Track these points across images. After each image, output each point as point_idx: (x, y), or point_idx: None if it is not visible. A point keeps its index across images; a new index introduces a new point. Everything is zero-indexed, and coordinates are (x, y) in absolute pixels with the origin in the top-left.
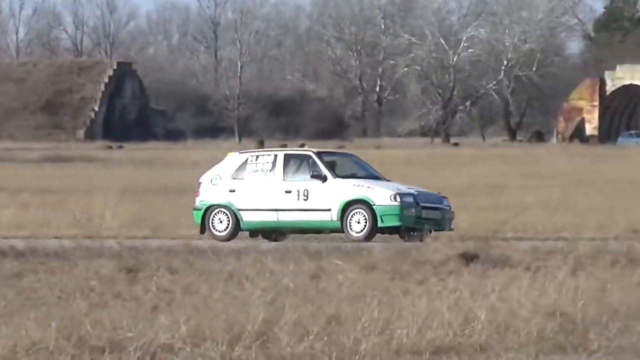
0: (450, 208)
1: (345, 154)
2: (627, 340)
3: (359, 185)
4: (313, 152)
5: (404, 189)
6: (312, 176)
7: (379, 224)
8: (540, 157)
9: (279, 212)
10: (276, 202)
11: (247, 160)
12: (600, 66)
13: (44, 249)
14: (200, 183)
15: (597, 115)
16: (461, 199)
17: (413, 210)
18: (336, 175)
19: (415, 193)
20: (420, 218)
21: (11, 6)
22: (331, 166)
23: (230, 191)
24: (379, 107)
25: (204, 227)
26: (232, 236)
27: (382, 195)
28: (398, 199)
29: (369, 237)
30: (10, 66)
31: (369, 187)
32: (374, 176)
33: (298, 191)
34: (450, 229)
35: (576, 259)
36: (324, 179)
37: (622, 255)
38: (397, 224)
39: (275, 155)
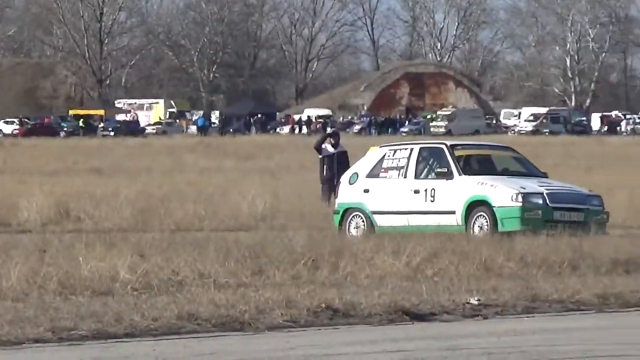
0: (602, 208)
1: (499, 147)
2: None
3: (482, 184)
4: (445, 144)
5: (535, 187)
6: (437, 174)
7: (499, 229)
8: None
9: (409, 215)
10: (406, 203)
11: (384, 155)
12: None
13: None
14: (339, 183)
15: None
16: None
17: (540, 212)
18: (465, 172)
19: (547, 192)
20: (551, 221)
21: None
22: (467, 161)
23: (365, 191)
24: None
25: (342, 232)
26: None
27: (503, 195)
28: (520, 199)
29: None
30: None
31: (492, 186)
32: (524, 174)
33: (426, 191)
34: (604, 233)
35: None
36: (449, 176)
37: None
38: (518, 228)
39: (411, 149)
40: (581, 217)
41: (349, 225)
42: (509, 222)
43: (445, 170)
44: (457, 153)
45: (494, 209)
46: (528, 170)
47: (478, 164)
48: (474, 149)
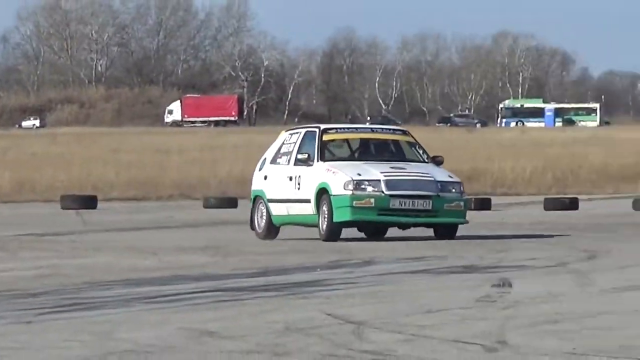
0: (459, 195)
1: (389, 130)
2: None
3: (328, 170)
4: (319, 127)
5: (374, 173)
6: (298, 160)
7: (334, 219)
8: None
9: (287, 203)
10: (284, 191)
11: (284, 140)
12: None
13: None
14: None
15: None
16: None
17: (372, 200)
18: (322, 158)
19: (385, 178)
20: (387, 209)
21: None
22: (337, 146)
23: (264, 178)
24: None
25: (252, 221)
26: (267, 235)
27: (338, 182)
28: (351, 186)
29: (329, 237)
30: None
31: (333, 173)
32: (404, 159)
33: (295, 178)
34: (461, 222)
35: None
36: (309, 162)
37: None
38: (348, 218)
39: (299, 134)
40: (428, 205)
41: (257, 214)
42: (340, 211)
43: (306, 156)
44: (329, 137)
45: (331, 197)
46: (413, 155)
47: (349, 150)
48: (352, 132)
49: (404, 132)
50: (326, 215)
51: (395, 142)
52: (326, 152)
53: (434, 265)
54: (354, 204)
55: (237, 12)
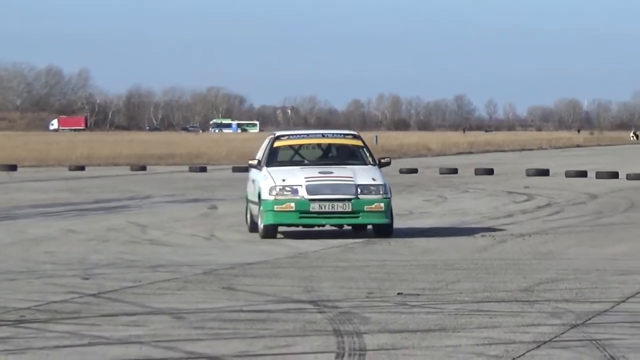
0: (381, 197)
1: (341, 135)
2: None
3: (265, 176)
4: (274, 134)
5: (298, 178)
6: (250, 165)
7: (263, 222)
8: None
9: (252, 205)
10: (250, 194)
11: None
12: None
13: None
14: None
15: None
16: None
17: (293, 204)
18: (269, 164)
19: (307, 183)
20: (307, 213)
21: None
22: (286, 152)
23: (251, 180)
24: None
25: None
26: (253, 230)
27: (266, 187)
28: (274, 192)
29: (265, 235)
30: None
31: (265, 178)
32: (348, 163)
33: (254, 182)
34: (382, 223)
35: None
36: (259, 167)
37: None
38: (272, 222)
39: (269, 139)
40: (348, 207)
41: (247, 213)
42: (266, 215)
43: (257, 161)
44: (280, 143)
45: (261, 201)
46: (359, 158)
47: (297, 155)
48: (303, 138)
49: (355, 136)
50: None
51: (344, 146)
52: (277, 157)
53: (179, 198)
54: (274, 209)
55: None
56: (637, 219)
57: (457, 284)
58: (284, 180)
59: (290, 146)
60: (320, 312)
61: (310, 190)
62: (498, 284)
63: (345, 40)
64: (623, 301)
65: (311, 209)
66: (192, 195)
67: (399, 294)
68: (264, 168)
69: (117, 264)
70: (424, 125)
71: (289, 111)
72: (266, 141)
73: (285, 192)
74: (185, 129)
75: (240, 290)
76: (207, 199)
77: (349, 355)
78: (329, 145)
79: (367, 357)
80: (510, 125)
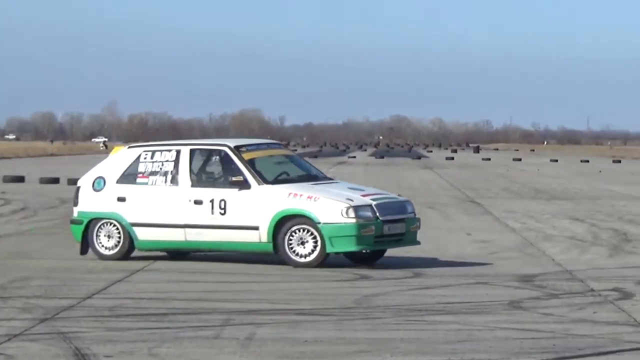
0: (414, 215)
1: (272, 144)
2: None
3: (294, 195)
4: (228, 146)
5: (357, 197)
6: (231, 182)
7: (328, 249)
8: None
9: (186, 229)
10: (182, 215)
11: (139, 157)
12: None
13: None
14: (78, 188)
15: None
16: None
17: (373, 227)
18: (265, 181)
19: (373, 202)
20: (381, 237)
21: None
22: (252, 165)
23: (119, 200)
24: None
25: (86, 245)
26: (124, 255)
27: (330, 210)
28: (352, 213)
29: (319, 262)
30: None
31: (309, 198)
32: (312, 176)
33: (212, 202)
34: (417, 243)
35: None
36: (245, 185)
37: None
38: (353, 249)
39: (178, 152)
40: (403, 229)
41: (97, 238)
42: (341, 241)
43: (241, 178)
44: (250, 156)
45: (320, 226)
46: (312, 173)
47: (271, 169)
48: (261, 150)
49: (281, 145)
50: (315, 243)
51: (285, 156)
52: (264, 173)
53: None
54: (362, 233)
55: None
56: None
57: None
58: (351, 201)
59: (253, 160)
60: None
61: (382, 211)
62: None
63: None
64: (89, 297)
65: (384, 232)
66: None
67: None
68: (263, 185)
69: None
70: None
71: None
72: (165, 155)
73: (362, 214)
74: None
75: None
76: None
77: None
78: (287, 156)
79: None
80: None
